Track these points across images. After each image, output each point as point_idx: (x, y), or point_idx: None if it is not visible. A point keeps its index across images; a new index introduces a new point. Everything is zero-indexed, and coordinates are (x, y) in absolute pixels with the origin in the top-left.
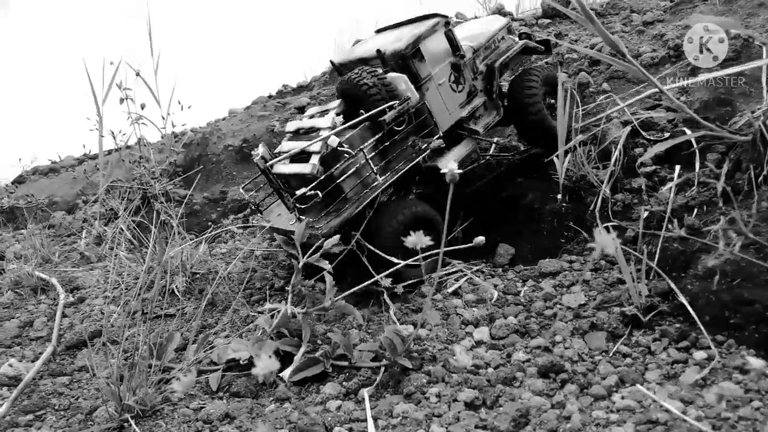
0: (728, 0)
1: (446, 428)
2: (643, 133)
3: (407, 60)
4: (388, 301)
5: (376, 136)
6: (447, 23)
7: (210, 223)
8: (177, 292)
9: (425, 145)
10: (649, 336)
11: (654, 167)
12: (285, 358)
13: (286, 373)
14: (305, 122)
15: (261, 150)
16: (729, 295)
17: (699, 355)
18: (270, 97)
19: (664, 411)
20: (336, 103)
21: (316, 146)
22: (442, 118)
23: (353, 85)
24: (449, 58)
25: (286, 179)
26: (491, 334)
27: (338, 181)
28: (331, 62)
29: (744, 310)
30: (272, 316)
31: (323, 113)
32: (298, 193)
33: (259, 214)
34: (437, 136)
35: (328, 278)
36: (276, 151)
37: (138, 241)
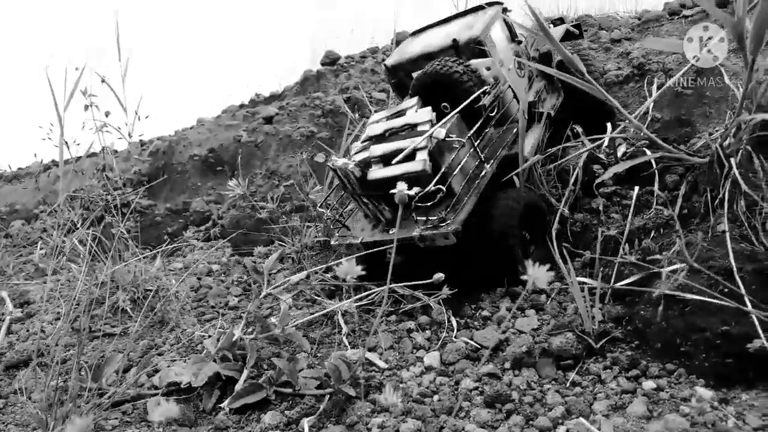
0: (694, 19)
1: None
2: (601, 157)
3: (483, 46)
4: (341, 322)
5: (479, 122)
6: (505, 10)
7: (166, 237)
8: (128, 310)
9: (515, 129)
10: (600, 364)
11: (614, 187)
12: (228, 384)
13: (227, 401)
14: (395, 122)
15: (341, 160)
16: (681, 321)
17: (648, 385)
18: (241, 106)
19: None
20: (412, 101)
21: (417, 142)
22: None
23: (443, 76)
24: (511, 45)
25: (387, 183)
26: (442, 359)
27: (453, 174)
28: (385, 66)
29: (695, 338)
30: (218, 339)
31: (399, 114)
32: (412, 192)
33: (345, 230)
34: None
35: (284, 305)
36: (359, 158)
37: (93, 255)
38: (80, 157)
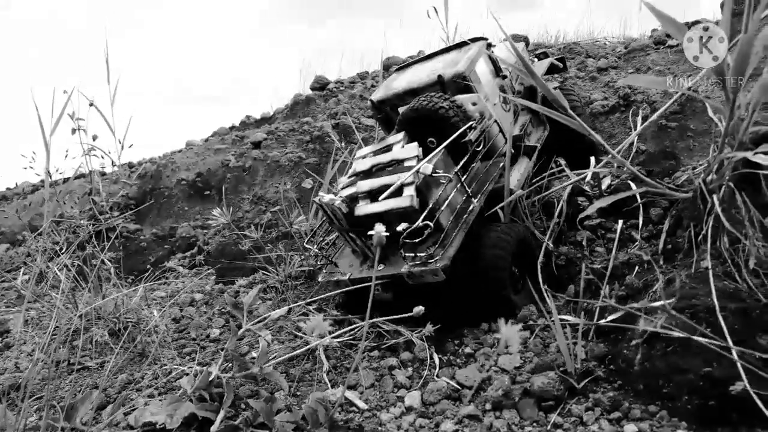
0: (679, 49)
1: None
2: (586, 189)
3: (468, 81)
4: (322, 357)
5: (465, 158)
6: (489, 45)
7: (149, 266)
8: (109, 343)
9: (502, 163)
10: (582, 405)
11: (598, 220)
12: (204, 424)
13: None
14: (381, 158)
15: (328, 196)
16: (664, 362)
17: (629, 428)
18: (232, 128)
19: None
20: (399, 136)
21: (404, 178)
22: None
23: (429, 111)
24: (495, 80)
25: (374, 219)
26: (423, 399)
27: (441, 209)
28: (371, 101)
29: (677, 379)
30: (195, 376)
31: (385, 149)
32: (399, 228)
33: (333, 267)
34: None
35: (263, 343)
36: (346, 194)
37: (75, 283)
38: (68, 178)
